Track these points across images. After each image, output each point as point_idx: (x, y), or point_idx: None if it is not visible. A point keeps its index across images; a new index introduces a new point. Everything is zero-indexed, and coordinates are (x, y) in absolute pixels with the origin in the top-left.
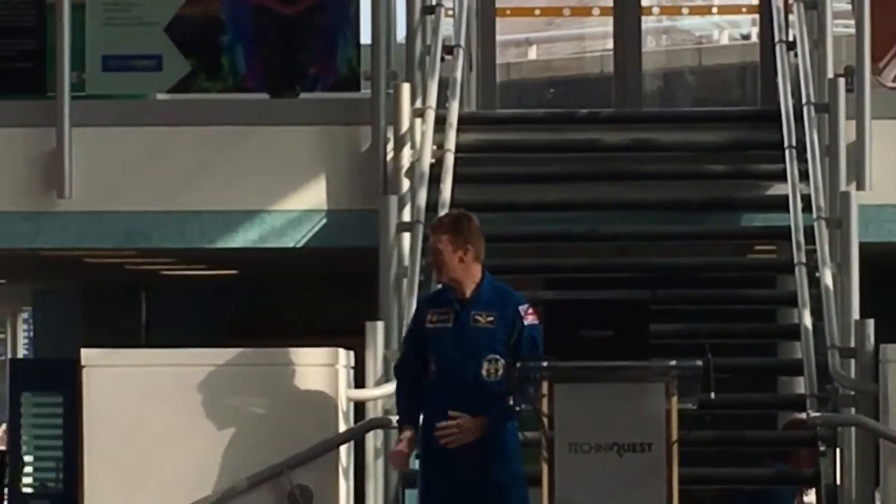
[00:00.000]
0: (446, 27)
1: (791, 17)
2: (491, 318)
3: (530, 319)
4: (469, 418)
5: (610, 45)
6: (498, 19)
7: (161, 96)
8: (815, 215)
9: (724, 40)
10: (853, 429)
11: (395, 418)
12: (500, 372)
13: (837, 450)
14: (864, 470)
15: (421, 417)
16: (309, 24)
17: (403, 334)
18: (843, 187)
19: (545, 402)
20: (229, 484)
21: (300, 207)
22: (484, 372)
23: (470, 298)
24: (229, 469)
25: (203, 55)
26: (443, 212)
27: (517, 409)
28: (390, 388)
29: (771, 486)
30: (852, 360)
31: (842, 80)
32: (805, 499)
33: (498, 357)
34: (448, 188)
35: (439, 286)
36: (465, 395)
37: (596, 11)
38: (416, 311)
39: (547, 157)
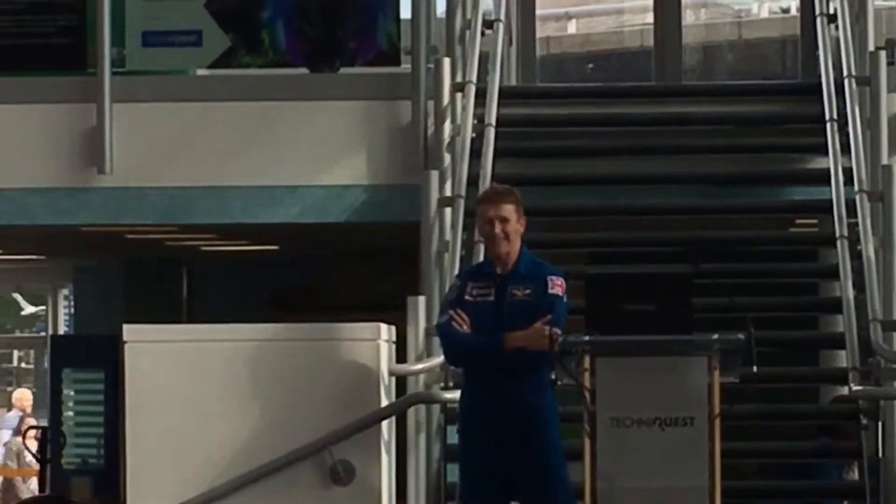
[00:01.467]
0: (486, 1)
1: None
2: (528, 292)
3: (554, 290)
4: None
5: (649, 18)
6: None
7: (201, 72)
8: (856, 188)
9: (764, 13)
10: (895, 402)
11: (438, 391)
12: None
13: (880, 423)
14: None
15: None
16: None
17: (444, 301)
18: (884, 160)
19: (587, 376)
20: (271, 459)
21: (341, 182)
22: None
23: (509, 272)
24: (271, 444)
25: (243, 30)
26: (484, 186)
27: (559, 382)
28: (433, 362)
29: (813, 459)
30: (895, 334)
31: (883, 53)
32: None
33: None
34: (489, 162)
35: (480, 261)
36: (505, 369)
37: None
38: (455, 286)
39: (587, 132)
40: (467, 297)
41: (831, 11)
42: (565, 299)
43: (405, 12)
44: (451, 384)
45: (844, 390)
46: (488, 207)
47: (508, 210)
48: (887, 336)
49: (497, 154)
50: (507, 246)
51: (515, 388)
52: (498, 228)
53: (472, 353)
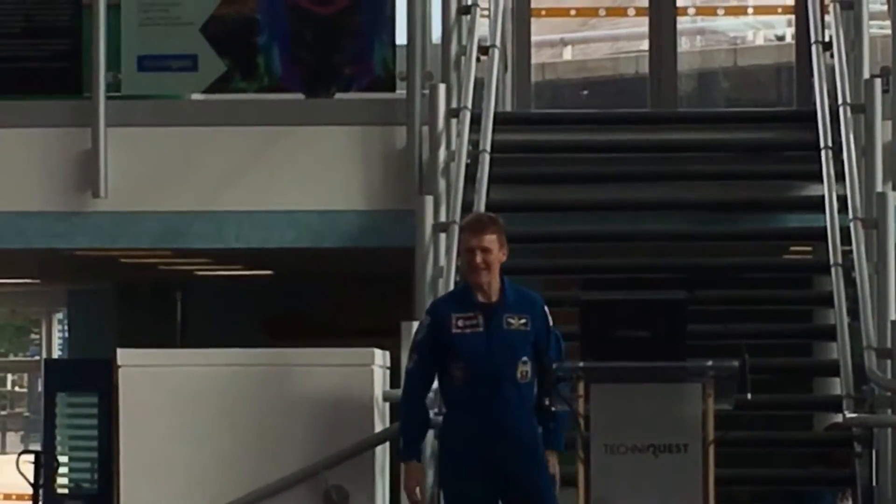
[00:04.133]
0: (482, 27)
1: (827, 18)
2: (524, 321)
3: (552, 324)
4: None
5: (645, 45)
6: (533, 19)
7: (196, 96)
8: (851, 216)
9: (760, 41)
10: (889, 430)
11: (432, 416)
12: (529, 374)
13: (874, 451)
14: None
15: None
16: (344, 25)
17: (412, 343)
18: (879, 188)
19: (581, 402)
20: (265, 484)
21: (336, 208)
22: (518, 374)
23: (497, 301)
24: (265, 469)
25: (239, 55)
26: (479, 212)
27: (552, 409)
28: None
29: (807, 487)
30: (888, 361)
31: (878, 81)
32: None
33: (527, 359)
34: (484, 188)
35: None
36: (499, 400)
37: (631, 12)
38: (432, 317)
39: (582, 158)
40: (454, 330)
41: (826, 39)
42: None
43: (401, 38)
44: (444, 410)
45: (838, 417)
46: (470, 237)
47: (490, 240)
48: (881, 363)
49: (492, 180)
50: (487, 276)
51: (508, 418)
52: (479, 258)
53: (400, 426)
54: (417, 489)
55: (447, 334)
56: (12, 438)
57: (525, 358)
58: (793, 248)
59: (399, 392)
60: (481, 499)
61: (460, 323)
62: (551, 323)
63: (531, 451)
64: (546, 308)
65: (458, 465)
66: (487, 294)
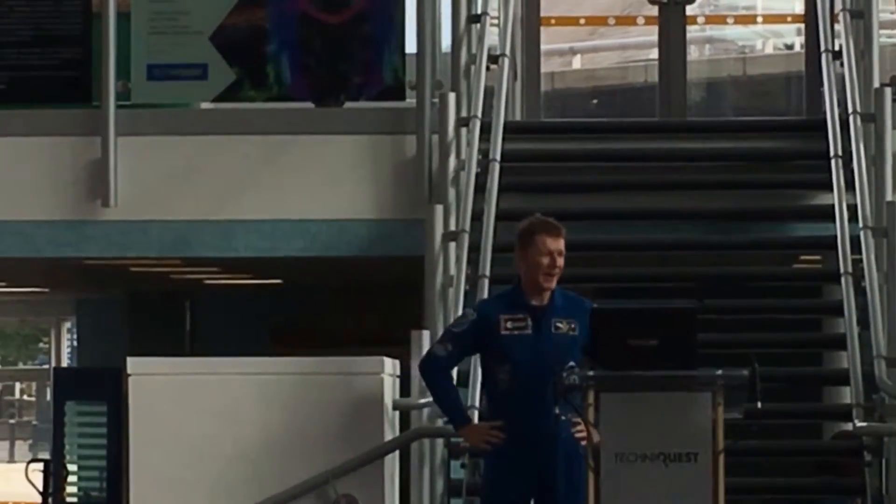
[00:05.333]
0: (491, 36)
1: (837, 27)
2: (573, 326)
3: None
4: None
5: (654, 54)
6: (542, 28)
7: (206, 105)
8: (861, 225)
9: (769, 50)
10: None
11: (441, 422)
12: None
13: (884, 460)
14: None
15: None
16: (354, 34)
17: (447, 332)
18: (888, 197)
19: (591, 411)
20: (275, 493)
21: (345, 217)
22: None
23: (547, 305)
24: (275, 478)
25: (248, 64)
26: (489, 221)
27: (562, 417)
28: None
29: (816, 496)
30: None
31: (888, 90)
32: None
33: (575, 365)
34: (494, 197)
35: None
36: (545, 403)
37: (640, 21)
38: (479, 314)
39: (592, 167)
40: (503, 332)
41: (836, 48)
42: None
43: (410, 47)
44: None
45: (848, 426)
46: (550, 240)
47: (563, 244)
48: (891, 372)
49: (501, 189)
50: (554, 281)
51: (552, 423)
52: (559, 261)
53: (436, 399)
54: (488, 436)
55: (495, 335)
56: (21, 447)
57: (571, 364)
58: (803, 258)
59: (409, 401)
60: (518, 498)
61: (509, 324)
62: None
63: (571, 457)
64: None
65: (500, 465)
66: (542, 298)
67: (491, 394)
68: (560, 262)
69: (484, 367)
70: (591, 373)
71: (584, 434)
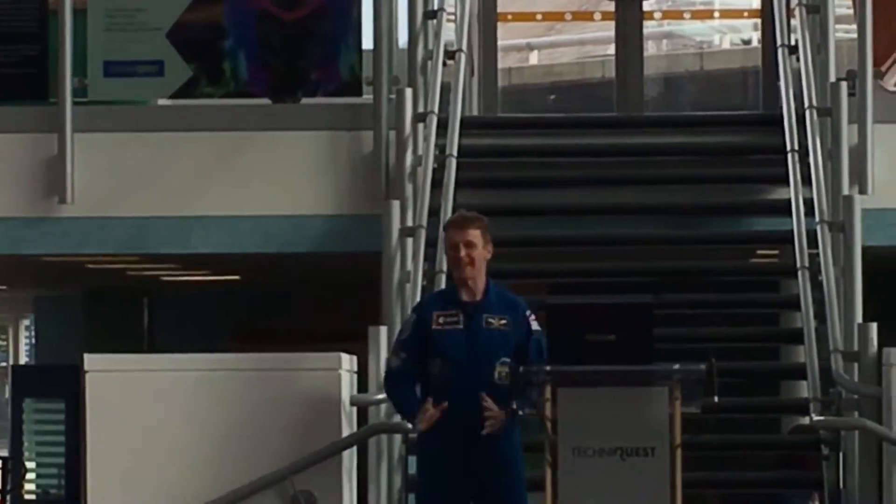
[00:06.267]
0: (448, 32)
1: (793, 22)
2: (504, 322)
3: (536, 325)
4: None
5: (611, 49)
6: (499, 24)
7: (163, 102)
8: (817, 219)
9: (726, 45)
10: (856, 432)
11: (397, 418)
12: (507, 376)
13: (841, 453)
14: (867, 473)
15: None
16: (311, 30)
17: (396, 342)
18: (845, 191)
19: (548, 406)
20: (233, 489)
21: (303, 213)
22: (496, 374)
23: (480, 300)
24: (232, 474)
25: (205, 61)
26: (446, 216)
27: (520, 413)
28: None
29: (775, 490)
30: (855, 364)
31: (844, 84)
32: None
33: (507, 360)
34: (451, 193)
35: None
36: (474, 398)
37: (597, 16)
38: (418, 315)
39: (549, 162)
40: (434, 326)
41: (793, 43)
42: (544, 332)
43: (367, 43)
44: None
45: (805, 420)
46: (454, 232)
47: (475, 235)
48: (848, 366)
49: (459, 184)
50: (472, 271)
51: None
52: (463, 252)
53: (397, 409)
54: (430, 410)
55: (428, 331)
56: None
57: (504, 359)
58: (760, 252)
59: (367, 397)
60: (453, 498)
61: (441, 319)
62: (536, 328)
63: (503, 455)
64: (529, 313)
65: (433, 462)
66: (472, 292)
67: (425, 387)
68: (466, 252)
69: (423, 363)
70: (547, 368)
71: (493, 422)
